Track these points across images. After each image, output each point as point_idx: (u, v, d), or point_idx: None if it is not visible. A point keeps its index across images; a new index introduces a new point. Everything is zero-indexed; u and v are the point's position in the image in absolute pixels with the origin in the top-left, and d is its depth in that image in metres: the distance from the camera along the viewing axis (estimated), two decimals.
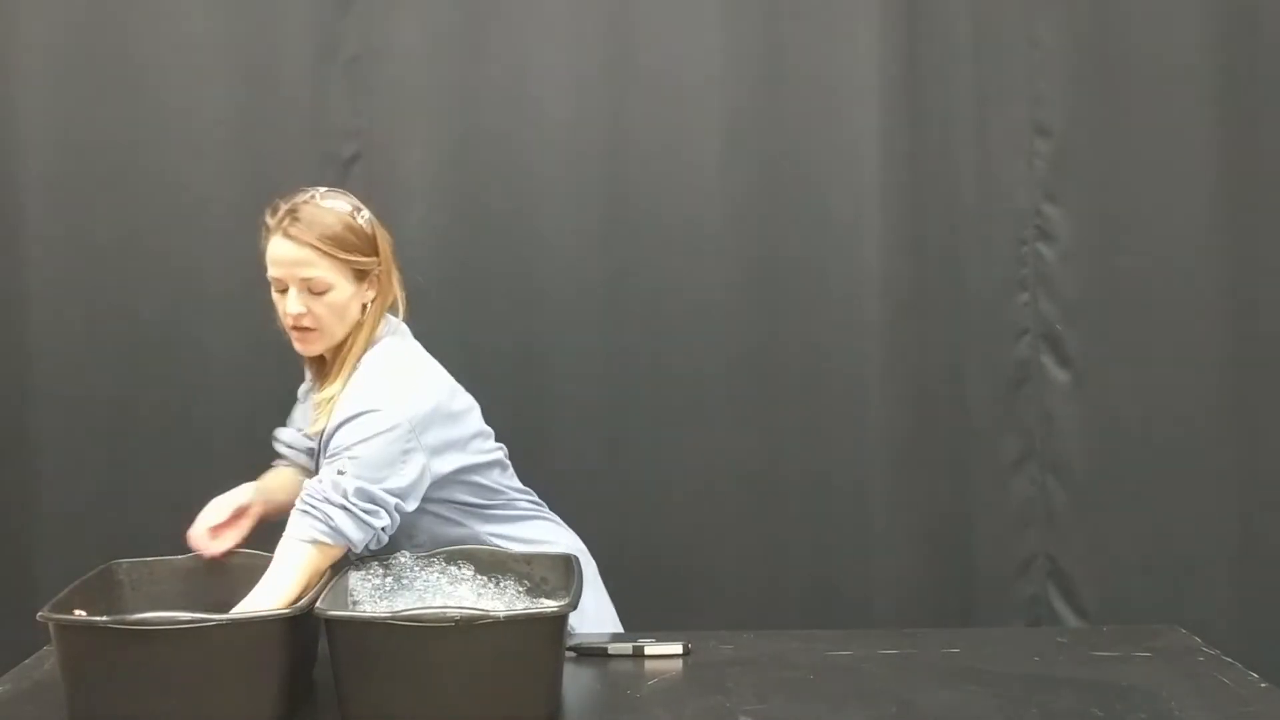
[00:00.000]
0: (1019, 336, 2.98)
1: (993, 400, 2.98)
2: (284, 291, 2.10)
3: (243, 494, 2.26)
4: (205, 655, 1.74)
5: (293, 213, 2.08)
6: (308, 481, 2.04)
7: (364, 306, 2.13)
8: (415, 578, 2.05)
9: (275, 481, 2.33)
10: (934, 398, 2.98)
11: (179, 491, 2.91)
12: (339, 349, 2.14)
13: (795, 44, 2.92)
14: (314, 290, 2.07)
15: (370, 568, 2.04)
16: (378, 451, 2.01)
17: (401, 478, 2.02)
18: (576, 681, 1.96)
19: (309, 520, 1.97)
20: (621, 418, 2.95)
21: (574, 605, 1.84)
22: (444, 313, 2.93)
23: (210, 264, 2.94)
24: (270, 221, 2.10)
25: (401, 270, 2.24)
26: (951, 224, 2.96)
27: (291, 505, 2.03)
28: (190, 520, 2.87)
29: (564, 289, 2.93)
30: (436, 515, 2.17)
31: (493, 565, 2.11)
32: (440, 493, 2.14)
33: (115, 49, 2.93)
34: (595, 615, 2.28)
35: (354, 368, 2.12)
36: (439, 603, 1.96)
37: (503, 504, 2.27)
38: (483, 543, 2.19)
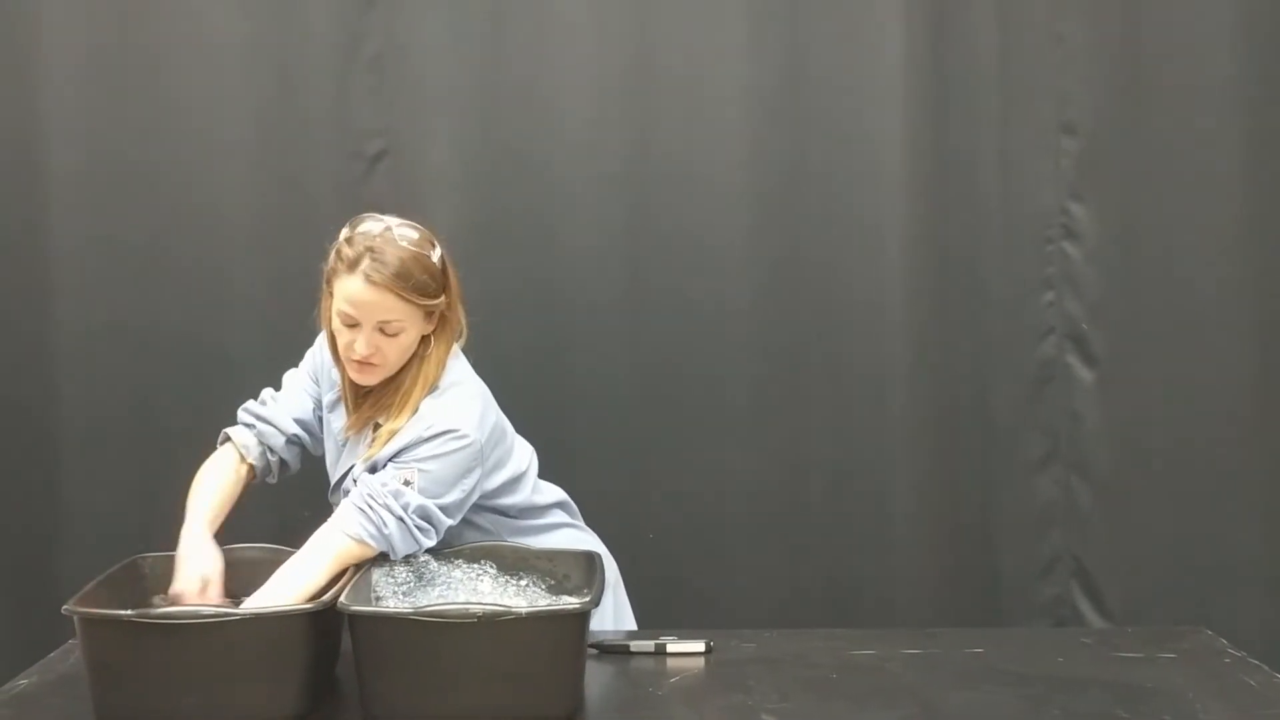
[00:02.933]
0: (1044, 336, 2.97)
1: (1017, 400, 2.97)
2: (352, 326, 2.06)
3: (206, 563, 2.08)
4: (229, 649, 1.75)
5: (373, 252, 2.03)
6: (367, 477, 2.05)
7: (424, 339, 2.12)
8: (438, 575, 2.05)
9: (220, 511, 2.22)
10: (958, 397, 2.97)
11: None
12: (395, 379, 2.13)
13: (818, 42, 2.92)
14: (387, 332, 2.06)
15: (394, 565, 2.04)
16: (447, 470, 2.04)
17: (458, 494, 2.06)
18: (598, 679, 1.96)
19: (362, 520, 1.99)
20: (643, 417, 2.95)
21: (596, 603, 1.84)
22: (469, 309, 2.93)
23: (234, 262, 2.96)
24: (349, 254, 2.05)
25: (465, 301, 2.22)
26: (976, 223, 2.95)
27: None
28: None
29: (586, 286, 2.93)
30: (470, 523, 2.18)
31: (515, 563, 2.11)
32: (480, 502, 2.16)
33: (139, 48, 2.94)
34: (614, 617, 2.30)
35: (419, 398, 2.11)
36: (462, 599, 1.97)
37: (534, 513, 2.29)
38: None
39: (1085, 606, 2.98)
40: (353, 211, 2.92)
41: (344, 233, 2.11)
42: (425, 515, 2.02)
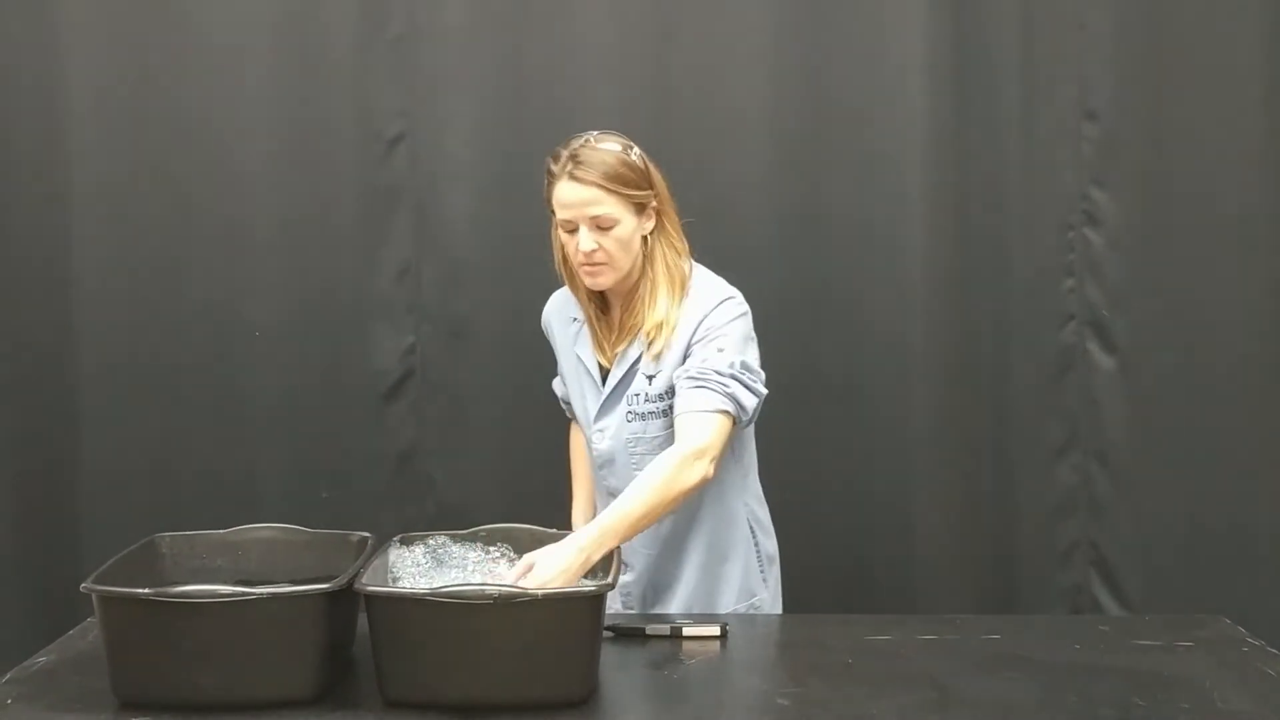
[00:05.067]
0: (1064, 322, 2.96)
1: (1037, 386, 2.96)
2: (572, 232, 2.19)
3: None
4: (245, 629, 1.75)
5: (574, 157, 2.17)
6: (688, 364, 2.17)
7: (644, 239, 2.23)
8: (454, 557, 2.05)
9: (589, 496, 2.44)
10: (978, 384, 2.96)
11: (222, 466, 2.97)
12: (626, 280, 2.24)
13: (841, 28, 2.91)
14: (602, 226, 2.17)
15: (411, 546, 2.05)
16: (742, 332, 2.20)
17: (755, 353, 2.23)
18: (613, 661, 1.95)
19: (706, 393, 2.12)
20: None
21: (613, 585, 1.84)
22: (487, 291, 2.94)
23: (255, 241, 2.97)
24: (555, 168, 2.19)
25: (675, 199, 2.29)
26: (997, 209, 2.95)
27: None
28: (232, 495, 2.92)
29: None
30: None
31: (532, 546, 2.10)
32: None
33: (162, 30, 2.95)
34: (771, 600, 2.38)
35: (673, 292, 2.23)
36: (478, 581, 1.97)
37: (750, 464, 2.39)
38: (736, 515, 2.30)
39: (1103, 594, 2.97)
40: (372, 193, 2.96)
41: (548, 158, 2.22)
42: (748, 367, 2.17)
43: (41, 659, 1.99)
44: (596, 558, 1.97)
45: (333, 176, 2.96)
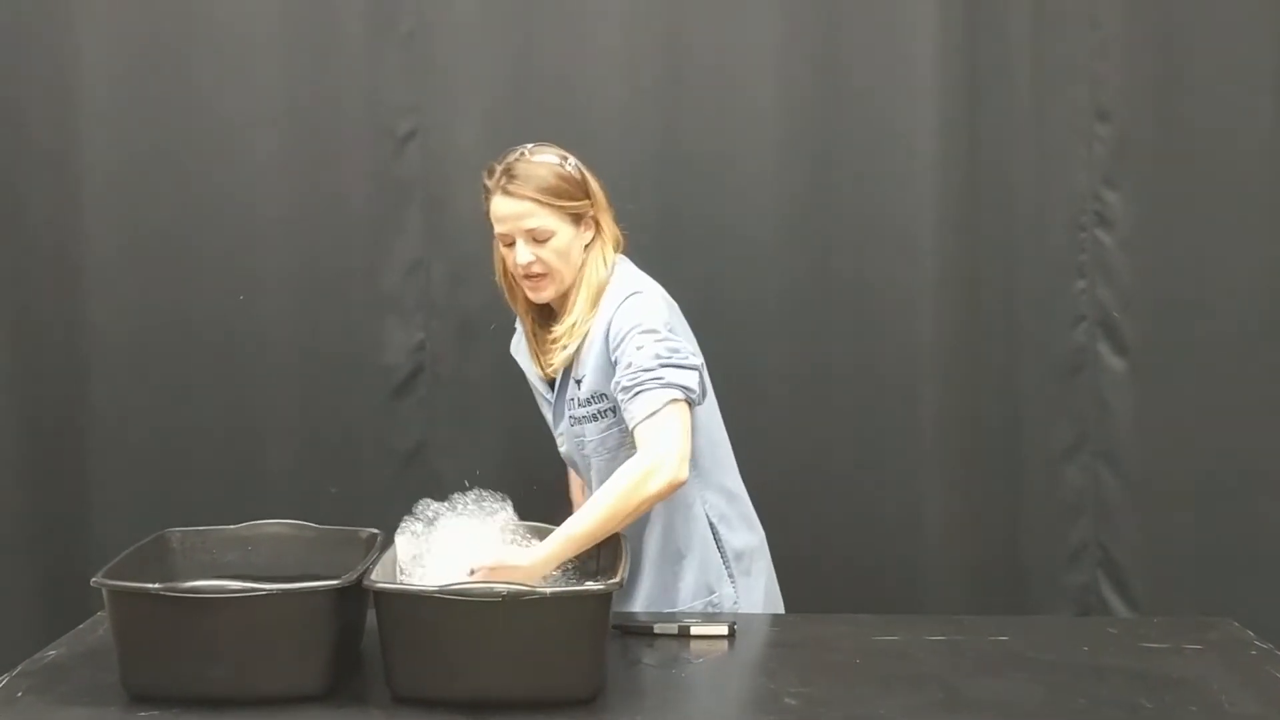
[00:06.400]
0: (1075, 323, 2.95)
1: (1047, 387, 2.96)
2: (510, 245, 2.24)
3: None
4: (254, 624, 1.76)
5: (508, 171, 2.22)
6: (617, 374, 2.16)
7: (584, 247, 2.26)
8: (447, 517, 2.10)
9: None
10: (988, 384, 2.96)
11: (232, 461, 2.98)
12: (569, 291, 2.27)
13: (852, 27, 2.90)
14: (538, 239, 2.21)
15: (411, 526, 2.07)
16: (652, 319, 2.18)
17: (683, 332, 2.25)
18: (621, 660, 1.96)
19: (644, 396, 2.11)
20: None
21: (621, 584, 1.84)
22: (498, 289, 2.94)
23: (264, 237, 2.97)
24: (489, 183, 2.24)
25: (615, 208, 2.33)
26: (1009, 209, 2.94)
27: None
28: (242, 490, 2.93)
29: None
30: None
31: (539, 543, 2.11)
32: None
33: (171, 25, 2.95)
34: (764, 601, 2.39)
35: (590, 297, 2.25)
36: (471, 536, 2.01)
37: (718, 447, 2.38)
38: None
39: (1111, 596, 2.97)
40: (383, 191, 2.96)
41: (483, 173, 2.27)
42: (672, 348, 2.15)
43: (52, 652, 2.01)
44: (554, 564, 2.04)
45: (344, 172, 2.96)
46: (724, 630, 2.07)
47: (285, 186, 2.96)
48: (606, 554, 2.08)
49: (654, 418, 2.10)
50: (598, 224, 2.27)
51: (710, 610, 2.26)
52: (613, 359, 2.19)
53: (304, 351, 2.98)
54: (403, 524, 2.10)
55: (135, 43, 2.95)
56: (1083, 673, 1.92)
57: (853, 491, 2.95)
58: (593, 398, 2.23)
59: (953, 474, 2.95)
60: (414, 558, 2.06)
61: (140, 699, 1.79)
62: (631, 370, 2.13)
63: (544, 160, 2.23)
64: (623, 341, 2.16)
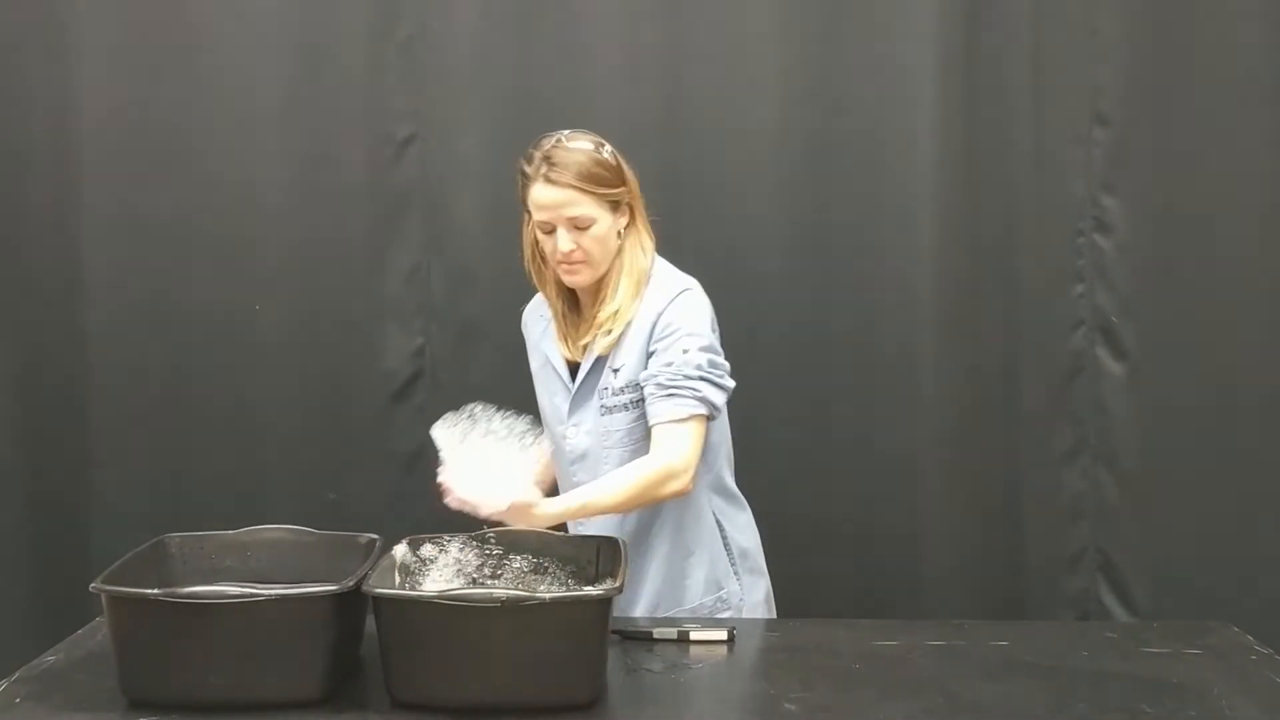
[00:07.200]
0: (1074, 328, 2.95)
1: (1046, 392, 2.96)
2: (550, 232, 2.23)
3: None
4: (254, 630, 1.76)
5: (548, 159, 2.20)
6: (653, 366, 2.20)
7: (618, 234, 2.26)
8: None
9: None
10: (987, 389, 2.96)
11: (231, 467, 2.98)
12: (602, 280, 2.28)
13: (851, 32, 2.90)
14: (579, 226, 2.21)
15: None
16: (704, 324, 2.24)
17: (716, 336, 2.27)
18: (620, 665, 1.96)
19: (675, 401, 2.16)
20: None
21: (620, 589, 1.84)
22: (496, 293, 2.95)
23: (263, 242, 2.98)
24: (529, 170, 2.22)
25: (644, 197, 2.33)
26: (1007, 214, 2.94)
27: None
28: (240, 496, 2.93)
29: None
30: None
31: (539, 547, 2.10)
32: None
33: (173, 30, 2.96)
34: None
35: (632, 285, 2.26)
36: (503, 463, 2.05)
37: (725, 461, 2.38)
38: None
39: (1111, 600, 2.97)
40: (382, 194, 2.97)
41: (520, 160, 2.25)
42: (714, 363, 2.21)
43: (50, 658, 2.00)
44: (562, 520, 2.15)
45: (344, 178, 2.96)
46: (723, 635, 2.07)
47: (285, 191, 2.97)
48: (605, 559, 2.07)
49: (680, 424, 2.16)
50: (632, 210, 2.28)
51: (719, 605, 2.28)
52: (650, 349, 2.22)
53: (304, 356, 2.98)
54: (445, 418, 2.13)
55: (135, 46, 2.96)
56: (1082, 678, 1.92)
57: (853, 497, 2.95)
58: (628, 387, 2.25)
59: (952, 478, 2.95)
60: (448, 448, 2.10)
61: (139, 705, 1.79)
62: (672, 370, 2.18)
63: (581, 147, 2.23)
64: (669, 337, 2.20)
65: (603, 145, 2.25)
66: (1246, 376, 2.91)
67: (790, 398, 2.95)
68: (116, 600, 1.79)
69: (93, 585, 1.79)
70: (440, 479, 2.07)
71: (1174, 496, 2.93)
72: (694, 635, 2.07)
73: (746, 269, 2.92)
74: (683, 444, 2.15)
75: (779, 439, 2.93)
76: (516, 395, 2.81)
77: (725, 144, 2.93)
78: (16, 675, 1.91)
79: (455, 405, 2.95)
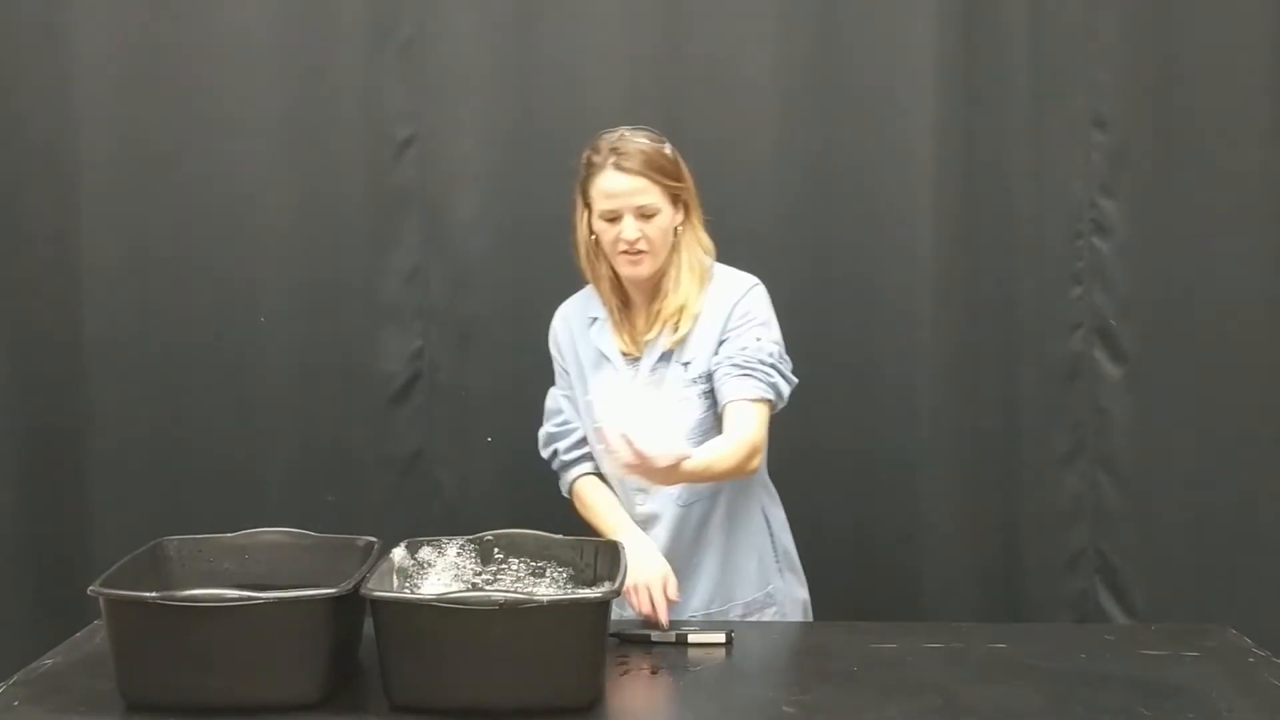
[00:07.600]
0: (1072, 331, 2.95)
1: (1044, 394, 2.96)
2: (615, 220, 2.25)
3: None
4: (252, 633, 1.76)
5: (616, 149, 2.25)
6: (726, 350, 2.25)
7: (675, 229, 2.30)
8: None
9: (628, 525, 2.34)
10: (985, 391, 2.96)
11: (229, 469, 2.98)
12: (662, 270, 2.30)
13: (849, 34, 2.90)
14: (645, 215, 2.24)
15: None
16: (772, 318, 2.32)
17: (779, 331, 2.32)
18: (619, 668, 1.96)
19: (752, 381, 2.22)
20: None
21: (618, 592, 1.84)
22: (496, 294, 2.95)
23: (264, 242, 2.97)
24: (597, 159, 2.26)
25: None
26: (1006, 216, 2.94)
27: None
28: (239, 498, 2.92)
29: None
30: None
31: (539, 551, 2.10)
32: None
33: (171, 33, 2.96)
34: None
35: (695, 279, 2.30)
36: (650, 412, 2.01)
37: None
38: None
39: (1109, 603, 2.97)
40: (382, 196, 2.97)
41: (585, 151, 2.29)
42: (782, 358, 2.28)
43: (48, 661, 2.00)
44: (683, 482, 2.16)
45: (343, 179, 2.96)
46: (721, 638, 2.07)
47: (284, 193, 2.96)
48: (604, 562, 2.07)
49: (755, 405, 2.21)
50: (688, 208, 2.31)
51: (766, 601, 2.31)
52: (723, 336, 2.26)
53: (302, 358, 2.98)
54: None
55: (135, 50, 2.96)
56: (1081, 680, 1.92)
57: (851, 499, 2.95)
58: (700, 378, 2.27)
59: (950, 481, 2.95)
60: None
61: (137, 708, 1.79)
62: (748, 353, 2.23)
63: (647, 139, 2.27)
64: (744, 325, 2.26)
65: (664, 141, 2.29)
66: (1244, 378, 2.91)
67: (788, 399, 2.94)
68: (115, 603, 1.79)
69: (91, 588, 1.79)
70: (608, 436, 2.00)
71: (1172, 499, 2.93)
72: (692, 638, 2.07)
73: (741, 267, 2.92)
74: (757, 422, 2.20)
75: (776, 441, 2.92)
76: (516, 396, 2.83)
77: (725, 145, 2.91)
78: (15, 678, 1.91)
79: (454, 407, 2.99)
